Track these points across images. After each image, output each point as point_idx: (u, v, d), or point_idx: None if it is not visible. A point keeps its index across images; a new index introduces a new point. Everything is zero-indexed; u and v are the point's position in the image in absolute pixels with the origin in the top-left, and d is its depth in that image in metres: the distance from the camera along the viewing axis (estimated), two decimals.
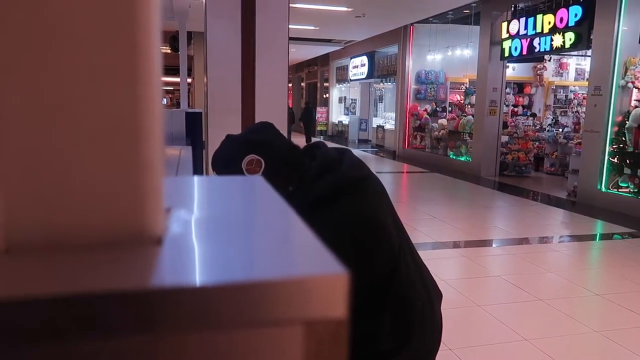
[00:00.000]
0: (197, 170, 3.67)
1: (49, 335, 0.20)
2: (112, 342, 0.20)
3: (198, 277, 0.23)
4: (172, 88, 30.10)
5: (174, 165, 1.25)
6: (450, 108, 12.60)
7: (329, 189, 1.08)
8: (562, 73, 12.68)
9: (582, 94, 11.48)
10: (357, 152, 14.59)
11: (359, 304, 1.03)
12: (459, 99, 12.65)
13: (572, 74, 12.69)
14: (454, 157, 11.28)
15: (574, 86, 12.62)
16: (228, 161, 1.10)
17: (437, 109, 12.72)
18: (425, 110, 12.80)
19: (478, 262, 4.54)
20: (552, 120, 11.32)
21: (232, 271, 0.24)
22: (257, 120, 4.03)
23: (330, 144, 1.24)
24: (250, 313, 0.21)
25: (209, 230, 0.30)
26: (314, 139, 19.11)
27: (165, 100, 30.37)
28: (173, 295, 0.21)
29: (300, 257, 0.27)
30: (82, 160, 0.24)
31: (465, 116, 11.39)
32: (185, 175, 1.19)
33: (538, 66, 12.38)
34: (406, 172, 10.95)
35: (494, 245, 5.23)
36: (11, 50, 0.24)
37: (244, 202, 0.37)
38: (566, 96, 12.66)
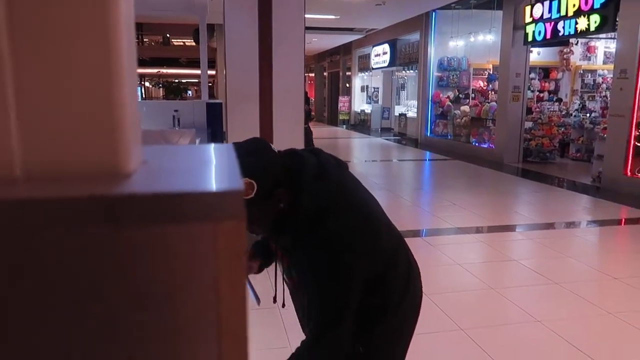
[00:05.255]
0: None
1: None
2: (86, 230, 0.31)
3: (149, 188, 0.34)
4: (197, 80, 30.53)
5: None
6: (473, 95, 12.46)
7: (314, 212, 1.21)
8: (589, 57, 12.36)
9: (611, 77, 11.19)
10: (379, 140, 14.58)
11: (380, 278, 1.31)
12: (482, 85, 12.48)
13: (600, 57, 12.35)
14: (477, 144, 11.20)
15: (603, 70, 12.28)
16: None
17: (460, 95, 12.59)
18: (448, 97, 12.70)
19: (497, 247, 4.57)
20: (579, 105, 11.09)
21: (172, 186, 0.36)
22: (274, 110, 4.15)
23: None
24: (180, 212, 0.33)
25: (166, 171, 0.42)
26: (335, 128, 19.25)
27: (190, 92, 31.00)
28: (130, 198, 0.33)
29: (215, 179, 0.37)
30: (73, 121, 0.36)
31: (488, 103, 11.26)
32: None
33: (564, 50, 12.09)
34: (428, 160, 10.94)
35: (514, 231, 5.24)
36: (24, 51, 0.35)
37: (200, 158, 0.49)
38: (594, 80, 12.35)
